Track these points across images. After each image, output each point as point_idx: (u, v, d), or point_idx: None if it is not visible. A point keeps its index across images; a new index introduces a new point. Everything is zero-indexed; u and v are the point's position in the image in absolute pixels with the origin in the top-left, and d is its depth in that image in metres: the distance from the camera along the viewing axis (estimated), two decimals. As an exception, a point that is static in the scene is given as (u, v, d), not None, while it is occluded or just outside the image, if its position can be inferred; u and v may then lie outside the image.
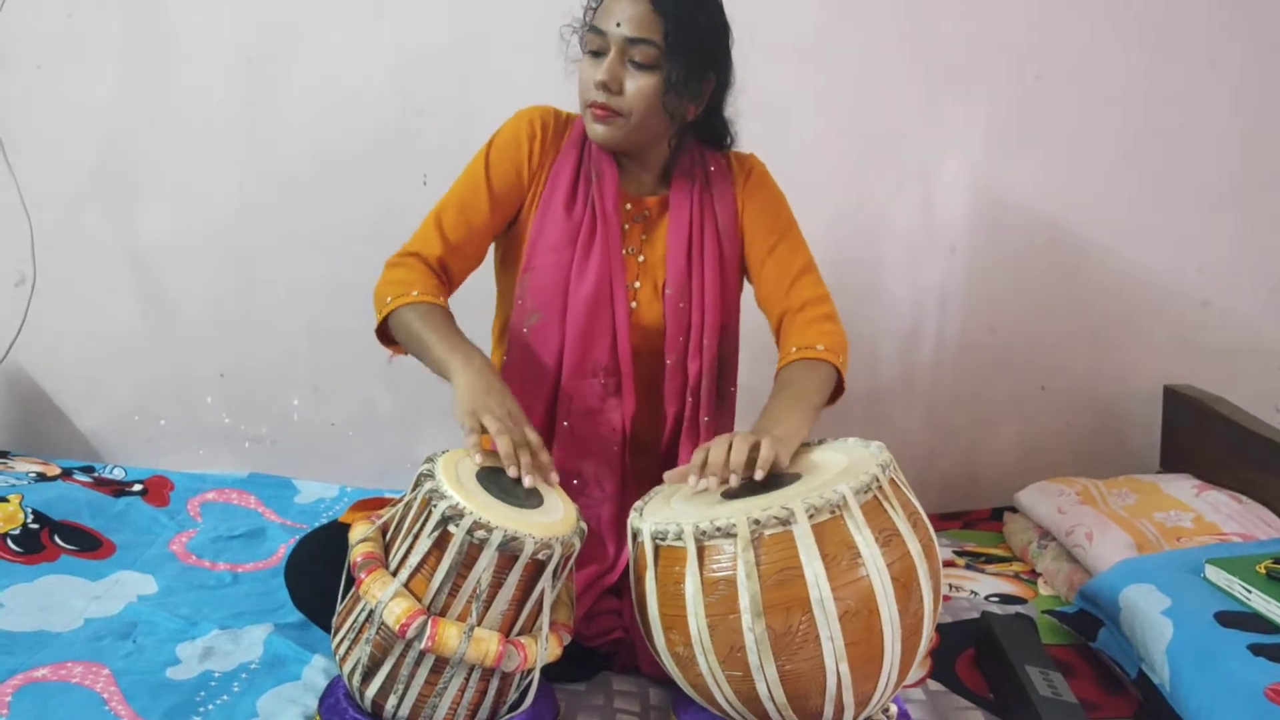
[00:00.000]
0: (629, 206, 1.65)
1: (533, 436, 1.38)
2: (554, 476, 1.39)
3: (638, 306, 1.63)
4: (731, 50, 1.60)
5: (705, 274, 1.62)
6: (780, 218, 1.68)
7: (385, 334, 1.56)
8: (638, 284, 1.64)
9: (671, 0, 1.50)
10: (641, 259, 1.65)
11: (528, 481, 1.33)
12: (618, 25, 1.50)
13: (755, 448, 1.34)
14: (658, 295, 1.63)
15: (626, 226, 1.64)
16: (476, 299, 1.69)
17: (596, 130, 1.56)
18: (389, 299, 1.53)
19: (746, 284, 1.72)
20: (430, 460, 1.33)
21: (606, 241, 1.60)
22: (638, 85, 1.52)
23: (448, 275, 1.59)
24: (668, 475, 1.43)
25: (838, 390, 1.60)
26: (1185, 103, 2.30)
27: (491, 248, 1.68)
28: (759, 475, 1.32)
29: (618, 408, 1.61)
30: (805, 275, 1.65)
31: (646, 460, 1.65)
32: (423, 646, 1.22)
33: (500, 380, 1.44)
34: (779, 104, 2.16)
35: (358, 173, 2.21)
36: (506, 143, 1.63)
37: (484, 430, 1.37)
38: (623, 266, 1.61)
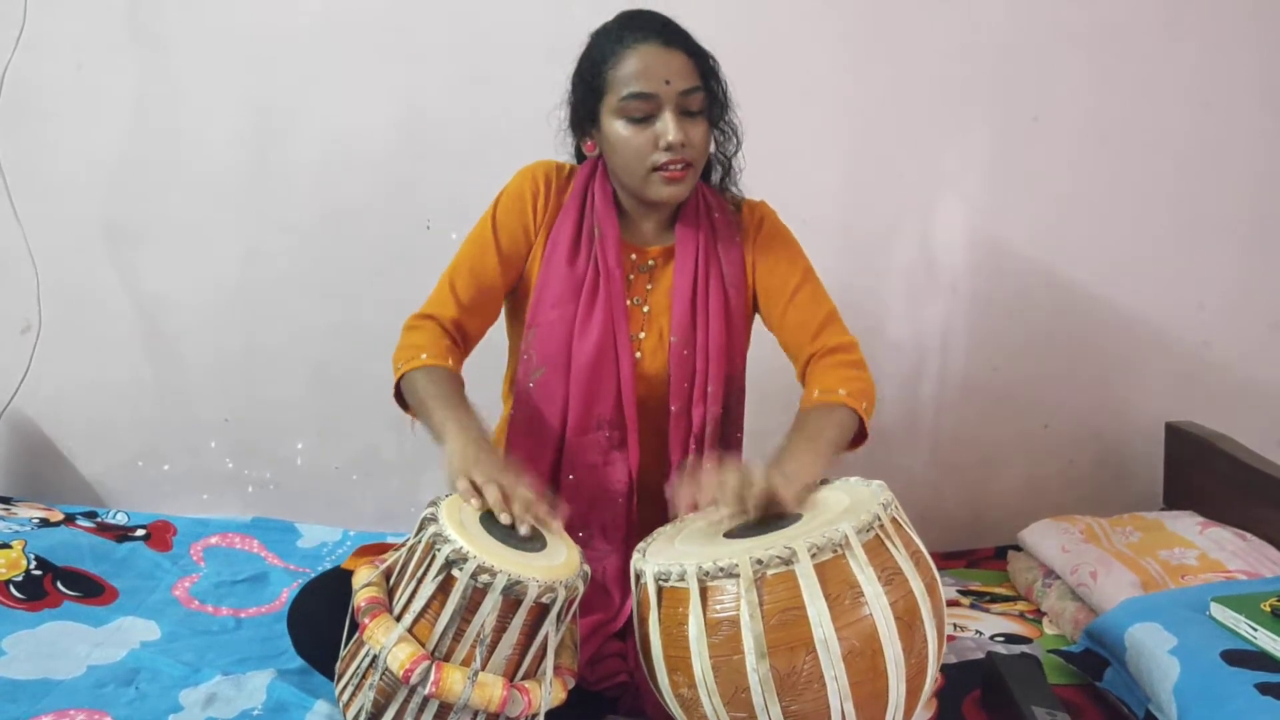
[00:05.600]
0: (633, 257, 1.66)
1: (525, 491, 1.37)
2: (557, 524, 1.38)
3: (642, 357, 1.63)
4: None
5: (710, 321, 1.62)
6: (797, 265, 1.68)
7: (403, 398, 1.57)
8: (642, 334, 1.64)
9: (693, 44, 1.55)
10: (646, 309, 1.65)
11: (524, 530, 1.33)
12: (667, 83, 1.51)
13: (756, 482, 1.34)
14: (663, 344, 1.64)
15: (631, 277, 1.65)
16: (485, 352, 1.71)
17: (671, 190, 1.55)
18: (400, 364, 1.55)
19: (753, 333, 1.72)
20: (434, 504, 1.33)
21: (609, 294, 1.60)
22: (699, 132, 1.55)
23: (463, 336, 1.61)
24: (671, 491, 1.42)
25: (861, 437, 1.60)
26: (1181, 143, 2.32)
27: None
28: (751, 510, 1.32)
29: (623, 461, 1.61)
30: (831, 323, 1.65)
31: (652, 511, 1.63)
32: (427, 692, 1.22)
33: (491, 449, 1.44)
34: (778, 146, 2.18)
35: (362, 219, 2.23)
36: (511, 201, 1.65)
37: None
38: (626, 318, 1.61)
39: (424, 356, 1.53)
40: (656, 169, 1.54)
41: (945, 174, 2.31)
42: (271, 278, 2.26)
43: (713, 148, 1.65)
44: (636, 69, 1.51)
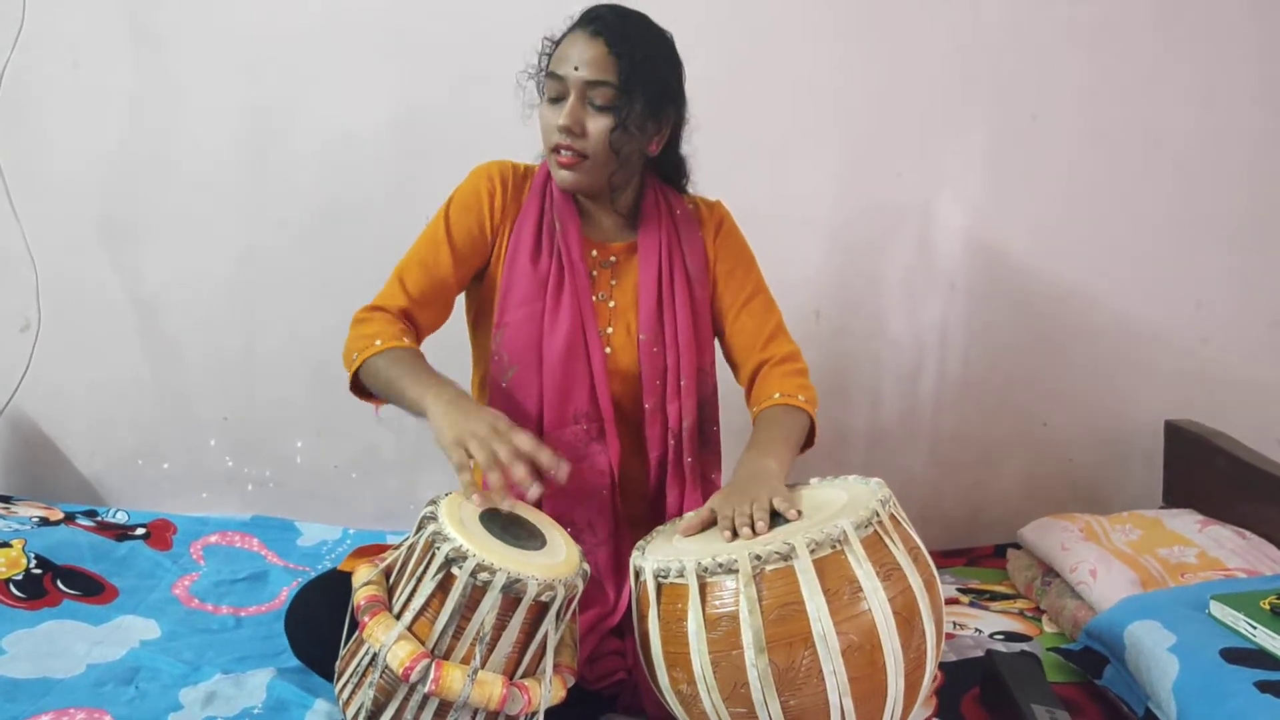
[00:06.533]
0: (595, 253, 1.67)
1: (523, 443, 1.36)
2: (565, 467, 1.39)
3: (612, 351, 1.64)
4: (684, 86, 1.63)
5: (678, 317, 1.64)
6: (752, 273, 1.73)
7: (361, 389, 1.57)
8: (610, 329, 1.65)
9: (625, 42, 1.53)
10: (612, 304, 1.66)
11: (533, 494, 1.34)
12: (576, 69, 1.53)
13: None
14: (631, 339, 1.65)
15: (595, 273, 1.66)
16: (458, 355, 1.71)
17: (562, 175, 1.58)
18: (355, 355, 1.53)
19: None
20: (433, 502, 1.34)
21: (575, 289, 1.61)
22: (599, 126, 1.54)
23: (414, 326, 1.61)
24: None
25: (808, 443, 1.64)
26: (1180, 141, 2.32)
27: (464, 307, 1.70)
28: (760, 530, 1.32)
29: (603, 452, 1.61)
30: (781, 333, 1.70)
31: (637, 504, 1.66)
32: (426, 690, 1.22)
33: (474, 402, 1.44)
34: (776, 145, 2.19)
35: (361, 218, 2.23)
36: (467, 198, 1.66)
37: (472, 458, 1.36)
38: (594, 313, 1.62)
39: (378, 342, 1.53)
40: (553, 150, 1.57)
41: (944, 172, 2.31)
42: (271, 276, 2.26)
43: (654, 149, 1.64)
44: (561, 51, 1.56)
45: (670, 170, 1.72)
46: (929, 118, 2.28)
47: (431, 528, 1.27)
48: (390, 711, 1.26)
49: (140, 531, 2.06)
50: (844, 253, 2.29)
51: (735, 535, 1.32)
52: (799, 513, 1.34)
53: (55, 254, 2.24)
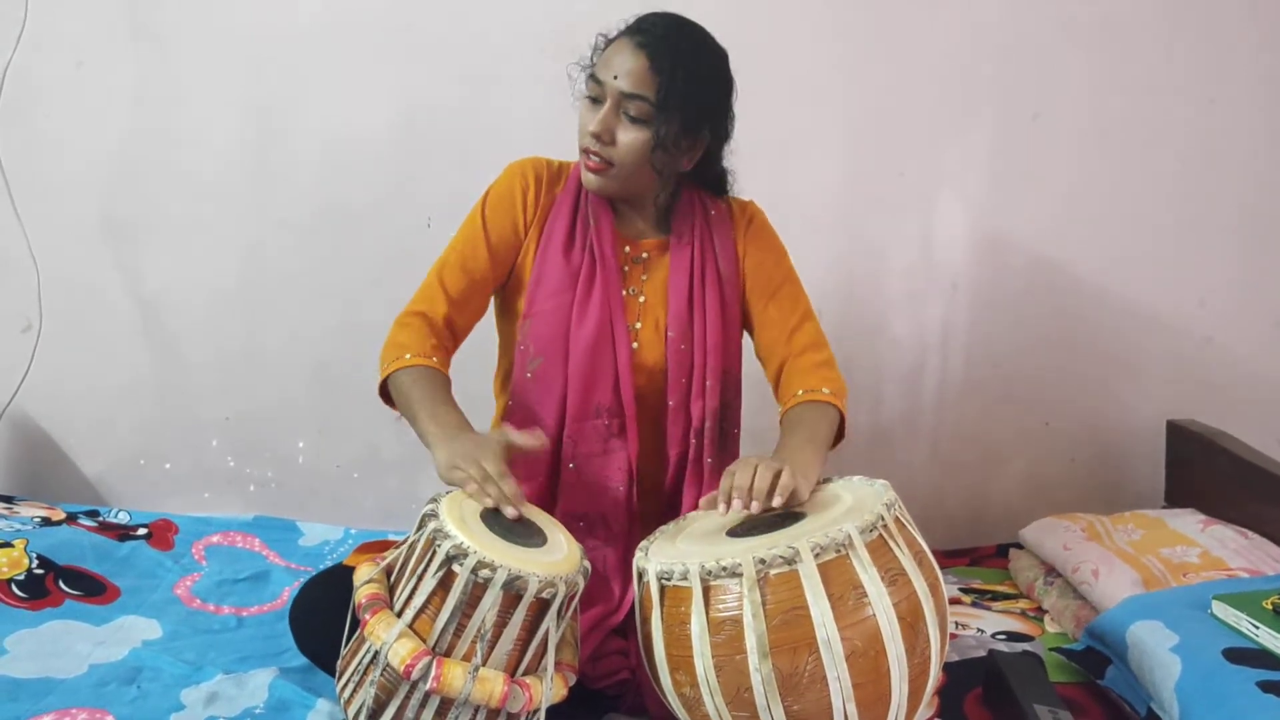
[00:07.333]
0: (627, 249, 1.67)
1: (508, 488, 1.36)
2: (511, 511, 1.36)
3: (639, 347, 1.64)
4: (732, 104, 1.62)
5: (707, 317, 1.64)
6: (781, 265, 1.71)
7: (388, 394, 1.58)
8: (639, 324, 1.65)
9: (669, 58, 1.51)
10: (642, 299, 1.66)
11: (509, 513, 1.34)
12: (615, 78, 1.52)
13: (778, 475, 1.35)
14: (659, 335, 1.64)
15: (626, 268, 1.66)
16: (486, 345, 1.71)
17: (589, 179, 1.59)
18: (385, 364, 1.55)
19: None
20: (434, 500, 1.34)
21: (606, 283, 1.61)
22: (629, 138, 1.54)
23: (452, 332, 1.61)
24: (702, 502, 1.45)
25: (839, 436, 1.62)
26: (1182, 140, 2.32)
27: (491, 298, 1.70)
28: (778, 502, 1.33)
29: (622, 448, 1.61)
30: (806, 322, 1.68)
31: (652, 502, 1.65)
32: (428, 688, 1.22)
33: (471, 434, 1.46)
34: (778, 144, 2.19)
35: (362, 217, 2.23)
36: (500, 197, 1.66)
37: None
38: (623, 307, 1.62)
39: (408, 356, 1.54)
40: (583, 151, 1.58)
41: (946, 172, 2.31)
42: (272, 276, 2.26)
43: (689, 165, 1.63)
44: (607, 54, 1.56)
45: (708, 183, 1.70)
46: (931, 117, 2.28)
47: (432, 525, 1.27)
48: (392, 709, 1.26)
49: (142, 531, 2.06)
50: (846, 251, 2.29)
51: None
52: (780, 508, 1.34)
53: (57, 254, 2.24)
